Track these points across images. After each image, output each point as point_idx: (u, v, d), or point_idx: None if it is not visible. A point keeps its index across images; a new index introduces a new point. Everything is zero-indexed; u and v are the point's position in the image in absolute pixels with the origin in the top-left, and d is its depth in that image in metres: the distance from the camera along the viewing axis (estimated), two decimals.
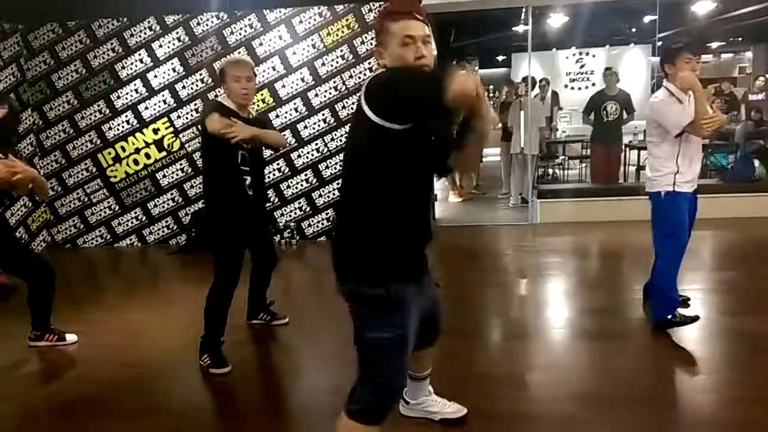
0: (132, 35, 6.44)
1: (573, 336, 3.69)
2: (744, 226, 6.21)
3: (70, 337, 3.78)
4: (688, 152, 3.38)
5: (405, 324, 1.85)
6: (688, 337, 3.41)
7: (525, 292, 4.68)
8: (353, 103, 6.35)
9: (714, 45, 14.71)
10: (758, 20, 10.04)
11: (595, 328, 3.72)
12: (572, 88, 11.75)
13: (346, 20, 6.24)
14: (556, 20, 9.72)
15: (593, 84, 11.50)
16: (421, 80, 1.70)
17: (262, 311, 3.93)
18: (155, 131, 6.54)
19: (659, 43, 9.26)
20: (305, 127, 6.43)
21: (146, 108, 6.53)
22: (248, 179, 3.34)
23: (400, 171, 1.79)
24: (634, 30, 12.37)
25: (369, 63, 6.27)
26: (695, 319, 3.44)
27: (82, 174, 6.72)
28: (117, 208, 6.76)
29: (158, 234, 6.78)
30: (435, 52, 1.91)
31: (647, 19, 10.92)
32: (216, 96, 6.20)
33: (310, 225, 6.60)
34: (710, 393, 2.86)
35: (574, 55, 11.80)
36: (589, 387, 2.93)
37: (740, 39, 13.83)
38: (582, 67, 11.72)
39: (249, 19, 6.32)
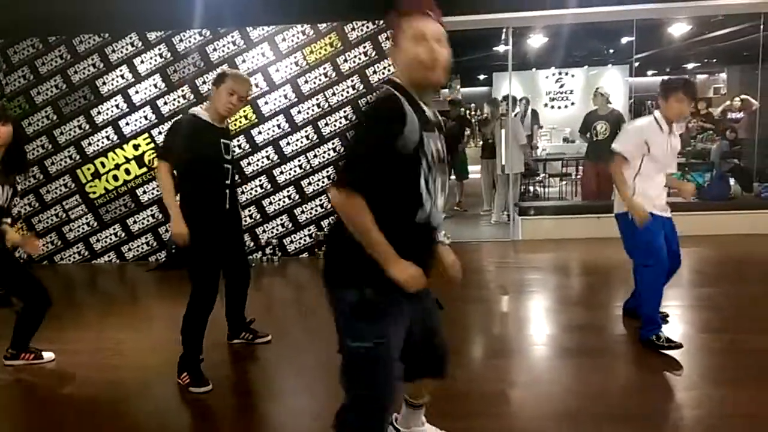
0: (113, 51, 6.41)
1: (555, 353, 3.70)
2: (720, 243, 6.31)
3: (47, 355, 3.71)
4: (648, 173, 3.52)
5: (386, 334, 1.80)
6: (669, 353, 3.44)
7: (507, 309, 4.69)
8: (336, 120, 6.37)
9: (689, 66, 15.05)
10: (732, 42, 10.30)
11: (576, 344, 3.74)
12: (552, 107, 11.91)
13: (329, 38, 6.28)
14: (536, 41, 9.87)
15: (572, 103, 11.68)
16: (360, 151, 1.77)
17: (243, 330, 3.87)
18: (136, 147, 6.49)
19: (636, 64, 9.45)
20: (288, 143, 6.43)
21: (127, 124, 6.49)
22: (227, 193, 3.33)
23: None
24: (611, 51, 12.61)
25: (351, 81, 6.30)
26: (678, 346, 3.45)
27: (61, 190, 6.63)
28: (95, 224, 6.67)
29: (137, 251, 6.69)
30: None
31: (624, 40, 11.15)
32: None
33: (292, 242, 6.57)
34: (691, 409, 2.88)
35: (553, 74, 11.98)
36: (570, 404, 2.94)
37: (714, 60, 14.16)
38: (561, 86, 11.90)
39: (232, 36, 6.33)
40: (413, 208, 1.81)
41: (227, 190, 3.33)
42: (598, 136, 7.33)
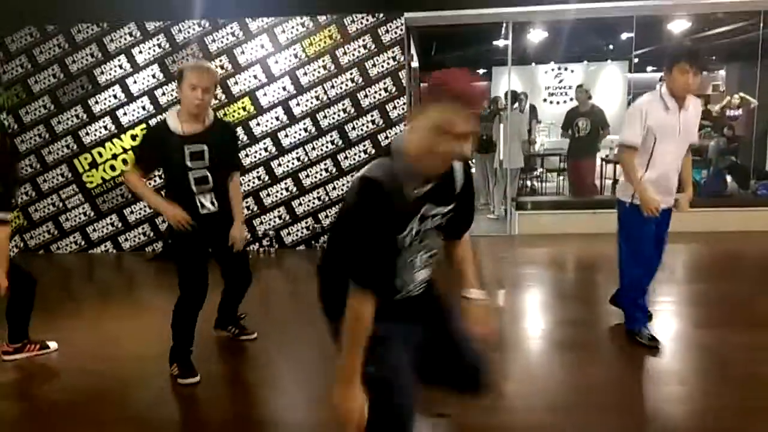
0: (112, 41, 6.39)
1: (549, 346, 3.73)
2: (715, 240, 6.33)
3: (52, 345, 3.69)
4: (661, 165, 3.34)
5: (383, 360, 1.73)
6: (661, 348, 3.46)
7: (503, 303, 4.72)
8: (334, 113, 6.37)
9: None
10: (731, 40, 10.29)
11: (570, 338, 3.76)
12: (551, 102, 11.91)
13: (329, 31, 6.27)
14: (536, 36, 9.85)
15: (571, 99, 11.66)
16: (353, 256, 1.67)
17: (231, 324, 3.84)
18: (133, 137, 6.48)
19: (635, 60, 9.45)
20: (286, 135, 6.43)
21: (125, 114, 6.48)
22: (207, 197, 3.21)
23: None
24: (611, 47, 12.59)
25: (350, 73, 6.30)
26: (655, 347, 3.41)
27: (58, 179, 6.62)
28: (92, 214, 6.67)
29: (134, 241, 6.70)
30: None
31: (624, 36, 11.12)
32: None
33: (289, 233, 6.58)
34: (680, 403, 2.90)
35: (552, 69, 11.98)
36: (563, 396, 2.96)
37: (714, 58, 14.15)
38: (560, 81, 11.90)
39: (231, 27, 6.32)
40: (386, 288, 1.76)
41: (202, 196, 3.19)
42: (579, 133, 7.40)
